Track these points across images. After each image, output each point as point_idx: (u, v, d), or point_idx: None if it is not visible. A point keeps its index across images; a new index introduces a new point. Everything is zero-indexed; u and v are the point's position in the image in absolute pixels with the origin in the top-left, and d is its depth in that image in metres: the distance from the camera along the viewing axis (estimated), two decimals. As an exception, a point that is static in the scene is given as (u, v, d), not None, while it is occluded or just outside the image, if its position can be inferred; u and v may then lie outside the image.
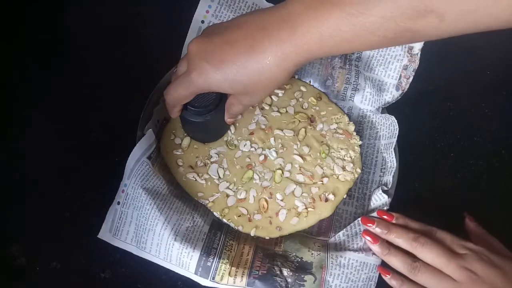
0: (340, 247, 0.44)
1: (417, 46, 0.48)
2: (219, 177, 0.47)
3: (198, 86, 0.38)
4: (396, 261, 0.41)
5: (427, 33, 0.31)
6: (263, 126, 0.50)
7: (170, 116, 0.49)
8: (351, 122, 0.51)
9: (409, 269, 0.40)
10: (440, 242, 0.40)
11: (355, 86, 0.51)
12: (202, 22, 0.49)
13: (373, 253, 0.42)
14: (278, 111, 0.51)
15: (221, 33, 0.37)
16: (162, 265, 0.42)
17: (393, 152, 0.47)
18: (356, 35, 0.32)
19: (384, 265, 0.42)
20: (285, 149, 0.49)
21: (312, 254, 0.44)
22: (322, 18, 0.32)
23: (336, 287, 0.42)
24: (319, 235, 0.47)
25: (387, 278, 0.41)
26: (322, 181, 0.47)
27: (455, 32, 0.32)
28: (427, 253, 0.39)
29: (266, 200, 0.46)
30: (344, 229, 0.44)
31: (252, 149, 0.48)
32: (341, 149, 0.49)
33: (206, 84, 0.38)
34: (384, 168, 0.48)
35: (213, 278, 0.41)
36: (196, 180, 0.47)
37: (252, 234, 0.45)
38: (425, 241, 0.40)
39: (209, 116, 0.43)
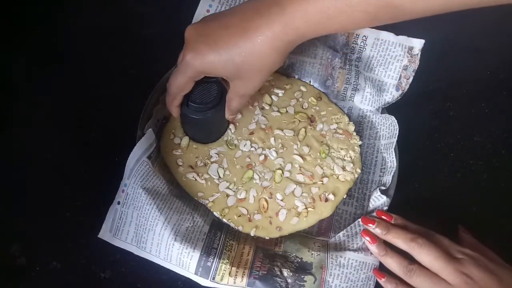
0: (340, 247, 0.44)
1: (417, 47, 0.48)
2: (219, 177, 0.47)
3: (194, 68, 0.39)
4: (392, 263, 0.41)
5: (408, 8, 0.32)
6: (263, 126, 0.50)
7: (171, 115, 0.49)
8: (351, 122, 0.51)
9: (405, 271, 0.40)
10: (438, 245, 0.40)
11: (355, 86, 0.51)
12: (202, 21, 0.49)
13: (372, 253, 0.42)
14: (278, 111, 0.51)
15: (218, 19, 0.38)
16: (162, 265, 0.42)
17: (393, 152, 0.47)
18: (339, 11, 0.33)
19: (380, 268, 0.42)
20: (285, 149, 0.49)
21: (312, 254, 0.44)
22: None
23: (336, 287, 0.42)
24: (319, 235, 0.47)
25: (382, 281, 0.41)
26: (322, 181, 0.47)
27: (437, 8, 0.32)
28: (425, 255, 0.39)
29: (266, 200, 0.46)
30: (344, 230, 0.44)
31: (252, 149, 0.48)
32: (341, 149, 0.49)
33: (201, 65, 0.38)
34: (384, 168, 0.48)
35: (213, 278, 0.41)
36: (196, 180, 0.47)
37: (252, 234, 0.45)
38: (423, 242, 0.40)
39: (210, 113, 0.43)
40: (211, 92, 0.43)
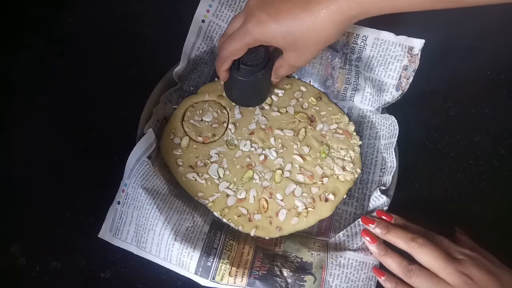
0: (340, 247, 0.44)
1: (417, 47, 0.48)
2: (219, 177, 0.47)
3: (253, 36, 0.39)
4: (392, 263, 0.41)
5: None
6: (263, 126, 0.50)
7: (171, 115, 0.49)
8: (351, 122, 0.51)
9: (405, 271, 0.40)
10: (438, 245, 0.40)
11: (355, 86, 0.51)
12: (203, 21, 0.49)
13: (371, 253, 0.42)
14: (278, 111, 0.51)
15: None
16: (162, 265, 0.42)
17: (393, 152, 0.47)
18: None
19: (379, 267, 0.42)
20: (285, 149, 0.49)
21: (312, 254, 0.44)
22: None
23: (336, 287, 0.42)
24: (319, 235, 0.47)
25: (382, 279, 0.41)
26: (322, 181, 0.47)
27: None
28: (425, 255, 0.39)
29: (266, 200, 0.46)
30: (344, 230, 0.44)
31: (252, 149, 0.48)
32: (341, 149, 0.49)
33: (261, 34, 0.39)
34: (384, 168, 0.48)
35: (213, 278, 0.41)
36: (196, 180, 0.47)
37: (252, 234, 0.45)
38: (423, 242, 0.40)
39: (260, 75, 0.45)
40: (259, 54, 0.44)
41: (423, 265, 0.40)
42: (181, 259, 0.42)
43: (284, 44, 0.40)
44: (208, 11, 0.49)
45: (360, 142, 0.50)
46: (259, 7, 0.39)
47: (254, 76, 0.45)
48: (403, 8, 0.36)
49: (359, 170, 0.49)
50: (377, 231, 0.42)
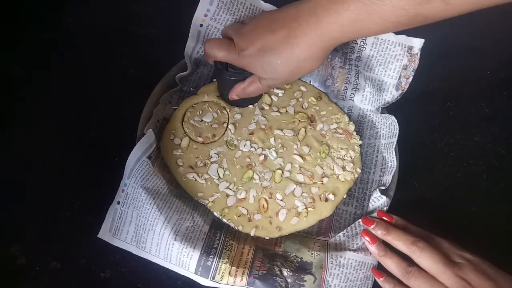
0: (340, 247, 0.44)
1: (417, 46, 0.48)
2: (219, 177, 0.47)
3: (240, 64, 0.44)
4: (391, 264, 0.41)
5: (435, 15, 0.36)
6: (263, 126, 0.50)
7: (171, 116, 0.49)
8: (351, 122, 0.51)
9: (403, 273, 0.40)
10: (437, 249, 0.40)
11: (355, 86, 0.51)
12: (201, 25, 0.49)
13: (371, 253, 0.42)
14: (278, 111, 0.51)
15: (268, 25, 0.42)
16: (162, 264, 0.42)
17: (393, 152, 0.47)
18: (372, 23, 0.37)
19: (378, 268, 0.42)
20: (285, 149, 0.49)
21: (312, 254, 0.44)
22: (342, 10, 0.37)
23: (336, 287, 0.42)
24: (319, 235, 0.47)
25: (380, 280, 0.42)
26: (322, 181, 0.47)
27: (461, 11, 0.35)
28: (425, 258, 0.39)
29: (266, 200, 0.46)
30: (345, 230, 0.44)
31: (252, 149, 0.48)
32: (341, 149, 0.49)
33: (246, 64, 0.44)
34: (384, 168, 0.48)
35: (213, 278, 0.41)
36: (196, 180, 0.47)
37: (252, 234, 0.45)
38: (424, 245, 0.40)
39: (248, 74, 0.46)
40: None
41: (422, 268, 0.40)
42: (181, 258, 0.42)
43: (263, 74, 0.44)
44: (206, 15, 0.49)
45: (360, 142, 0.50)
46: (249, 40, 0.42)
47: (243, 75, 0.46)
48: (371, 35, 0.41)
49: (359, 170, 0.49)
50: (378, 232, 0.42)
